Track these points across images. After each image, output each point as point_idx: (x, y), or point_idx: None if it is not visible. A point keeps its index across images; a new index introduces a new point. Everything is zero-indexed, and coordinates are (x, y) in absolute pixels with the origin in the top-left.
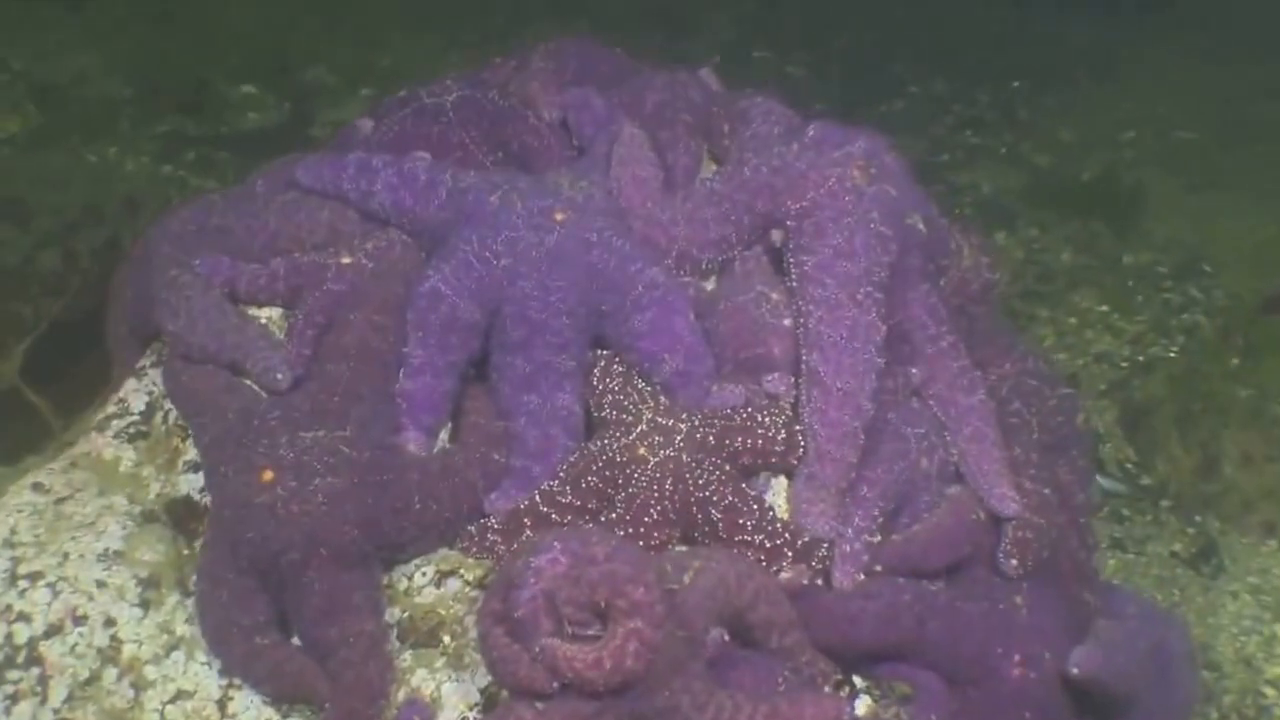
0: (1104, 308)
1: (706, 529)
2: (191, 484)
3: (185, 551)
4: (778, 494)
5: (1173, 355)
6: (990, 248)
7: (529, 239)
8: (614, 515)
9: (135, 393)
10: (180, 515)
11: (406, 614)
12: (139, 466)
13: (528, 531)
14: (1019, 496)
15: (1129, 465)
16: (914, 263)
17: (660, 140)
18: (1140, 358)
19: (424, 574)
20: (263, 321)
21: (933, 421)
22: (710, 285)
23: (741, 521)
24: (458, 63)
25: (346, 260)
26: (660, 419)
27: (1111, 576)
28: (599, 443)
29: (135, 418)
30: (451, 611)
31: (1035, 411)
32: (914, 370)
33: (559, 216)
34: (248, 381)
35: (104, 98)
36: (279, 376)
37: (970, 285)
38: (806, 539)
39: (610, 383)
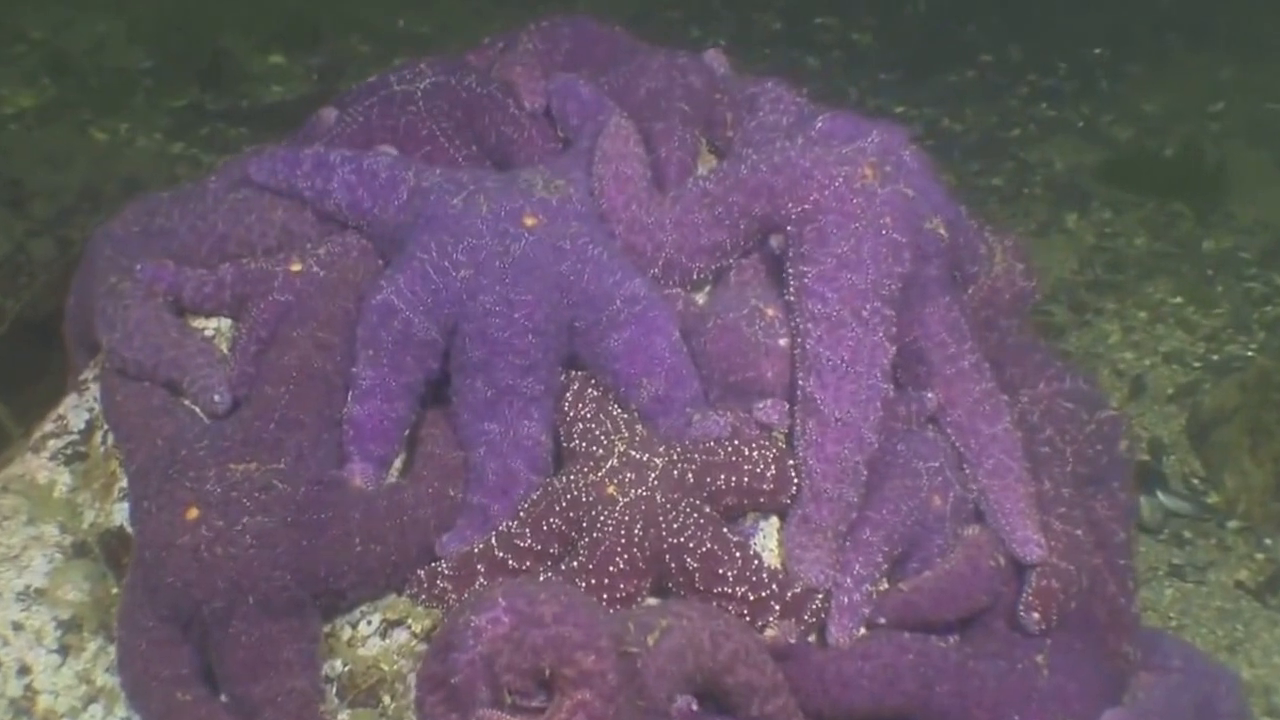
0: (1178, 299)
1: (681, 579)
2: (126, 514)
3: (114, 590)
4: (768, 538)
5: (1251, 354)
6: (1026, 252)
7: (492, 247)
8: (575, 563)
9: (75, 409)
10: (113, 548)
11: (348, 667)
12: (75, 492)
13: (481, 579)
14: (1045, 539)
15: (1195, 480)
16: (932, 273)
17: (653, 132)
18: (1214, 357)
19: (370, 622)
20: (209, 334)
21: (949, 454)
22: (703, 298)
23: (721, 571)
24: (502, 29)
25: (296, 267)
26: (634, 453)
27: (1168, 609)
28: (564, 479)
29: (74, 437)
30: (395, 667)
31: (1070, 439)
32: (929, 395)
33: (529, 221)
34: (188, 403)
35: (121, 69)
36: (216, 398)
37: (1001, 295)
38: (797, 590)
39: (582, 409)
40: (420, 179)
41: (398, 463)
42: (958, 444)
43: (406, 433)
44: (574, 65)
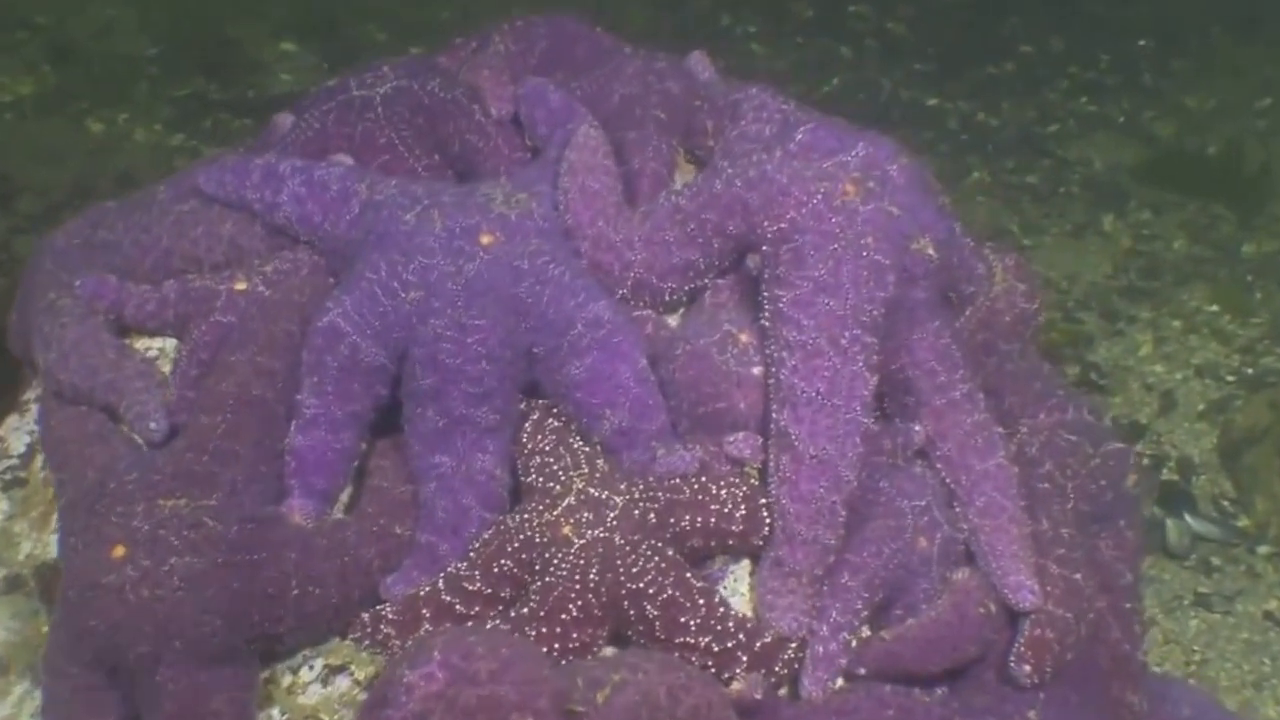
0: (1214, 308)
1: (641, 628)
2: None
3: (45, 628)
4: (739, 583)
5: None
6: (1028, 272)
7: (444, 267)
8: (526, 610)
9: (16, 431)
10: (50, 582)
11: (286, 716)
12: (11, 520)
13: (427, 624)
14: (1040, 585)
15: (1225, 502)
16: (920, 296)
17: (626, 142)
18: (1250, 370)
19: (311, 668)
20: (153, 354)
21: (938, 491)
22: (676, 320)
23: (683, 619)
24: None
25: (240, 286)
26: (593, 490)
27: (1192, 641)
28: (517, 517)
29: (14, 461)
30: (337, 717)
31: (1072, 474)
32: (917, 427)
33: (485, 239)
34: (125, 429)
35: (125, 57)
36: (152, 425)
37: (1001, 317)
38: (768, 639)
39: (541, 441)
40: (373, 192)
41: (346, 496)
42: (948, 480)
43: (354, 464)
44: (550, 68)
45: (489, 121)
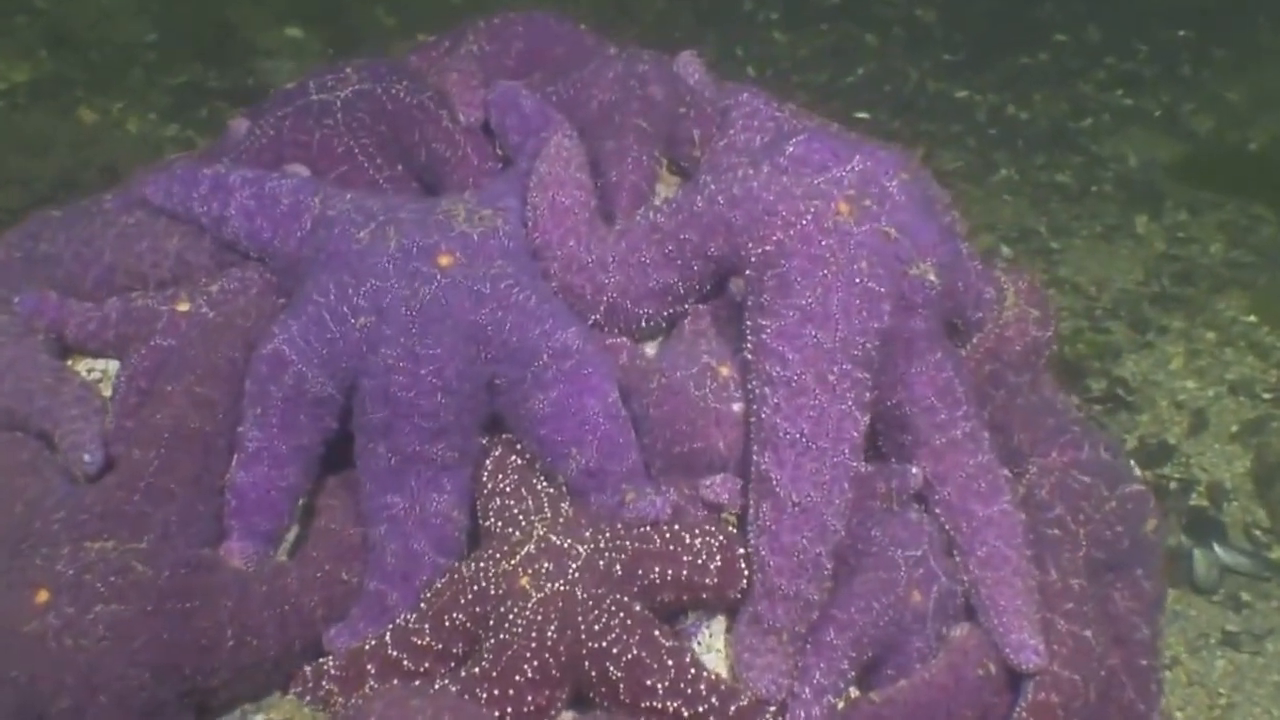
0: (1252, 318)
1: (604, 690)
2: None
3: None
4: (714, 640)
5: None
6: (1042, 296)
7: (398, 290)
8: (477, 669)
9: None
10: None
11: None
12: None
13: (372, 681)
14: (1045, 643)
15: (1256, 532)
16: (919, 326)
17: (604, 152)
18: None
19: None
20: (96, 377)
21: (936, 539)
22: (654, 349)
23: (650, 681)
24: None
25: (183, 307)
26: (555, 538)
27: (1218, 683)
28: (472, 565)
29: None
30: None
31: (1085, 519)
32: (914, 469)
33: (443, 260)
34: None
35: (123, 43)
36: (86, 458)
37: (1011, 346)
38: (744, 703)
39: (502, 482)
40: (327, 206)
41: (293, 535)
42: (947, 527)
43: (299, 503)
44: (527, 69)
45: (457, 129)
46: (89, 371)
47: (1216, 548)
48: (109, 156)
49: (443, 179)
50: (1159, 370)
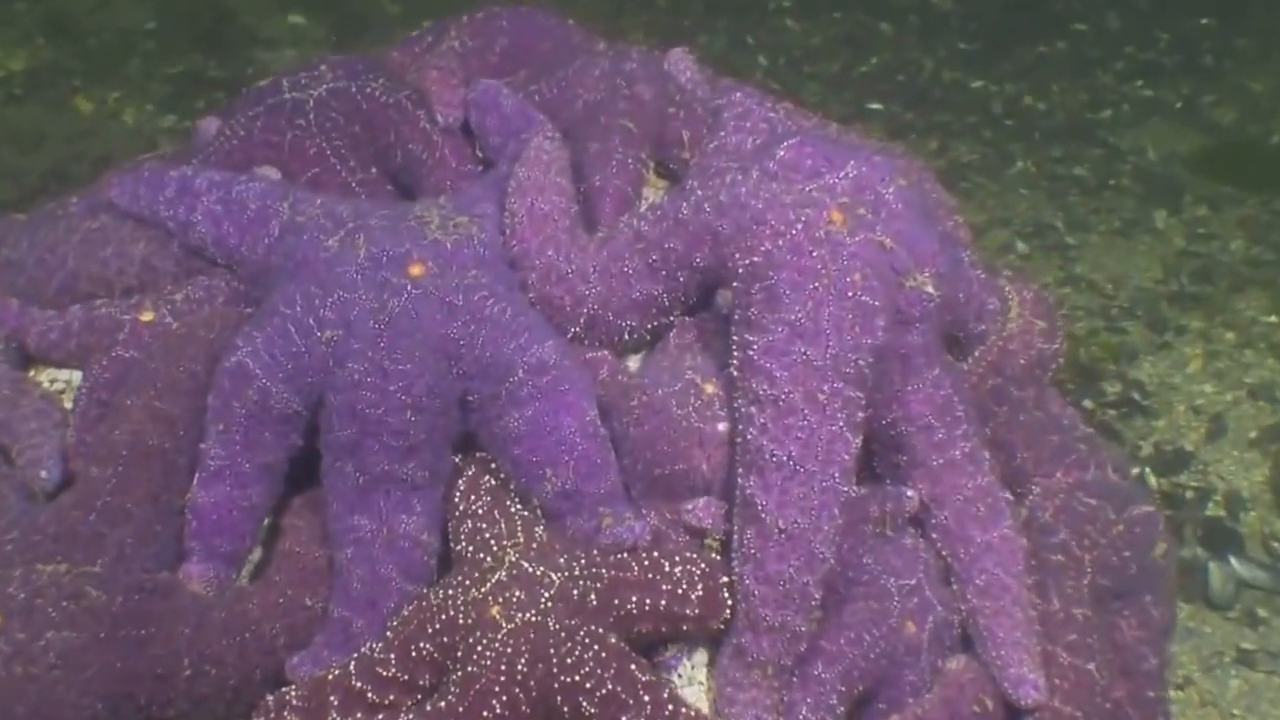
0: (1273, 318)
1: None
2: None
3: None
4: (696, 672)
5: None
6: (1048, 307)
7: (366, 302)
8: (443, 703)
9: None
10: None
11: None
12: None
13: (334, 714)
14: (1046, 677)
15: (1276, 544)
16: (916, 341)
17: (588, 155)
18: None
19: None
20: (59, 387)
21: (933, 566)
22: (638, 363)
23: (625, 718)
24: None
25: (146, 316)
26: (527, 565)
27: (1232, 704)
28: (441, 592)
29: None
30: None
31: (1090, 544)
32: (909, 492)
33: (414, 270)
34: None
35: (122, 30)
36: (44, 474)
37: (1014, 360)
38: None
39: (475, 504)
40: (295, 212)
41: (258, 556)
42: (944, 553)
43: (263, 523)
44: (512, 66)
45: (435, 130)
46: (52, 382)
47: (1233, 560)
48: (103, 149)
49: (420, 182)
50: (1176, 373)
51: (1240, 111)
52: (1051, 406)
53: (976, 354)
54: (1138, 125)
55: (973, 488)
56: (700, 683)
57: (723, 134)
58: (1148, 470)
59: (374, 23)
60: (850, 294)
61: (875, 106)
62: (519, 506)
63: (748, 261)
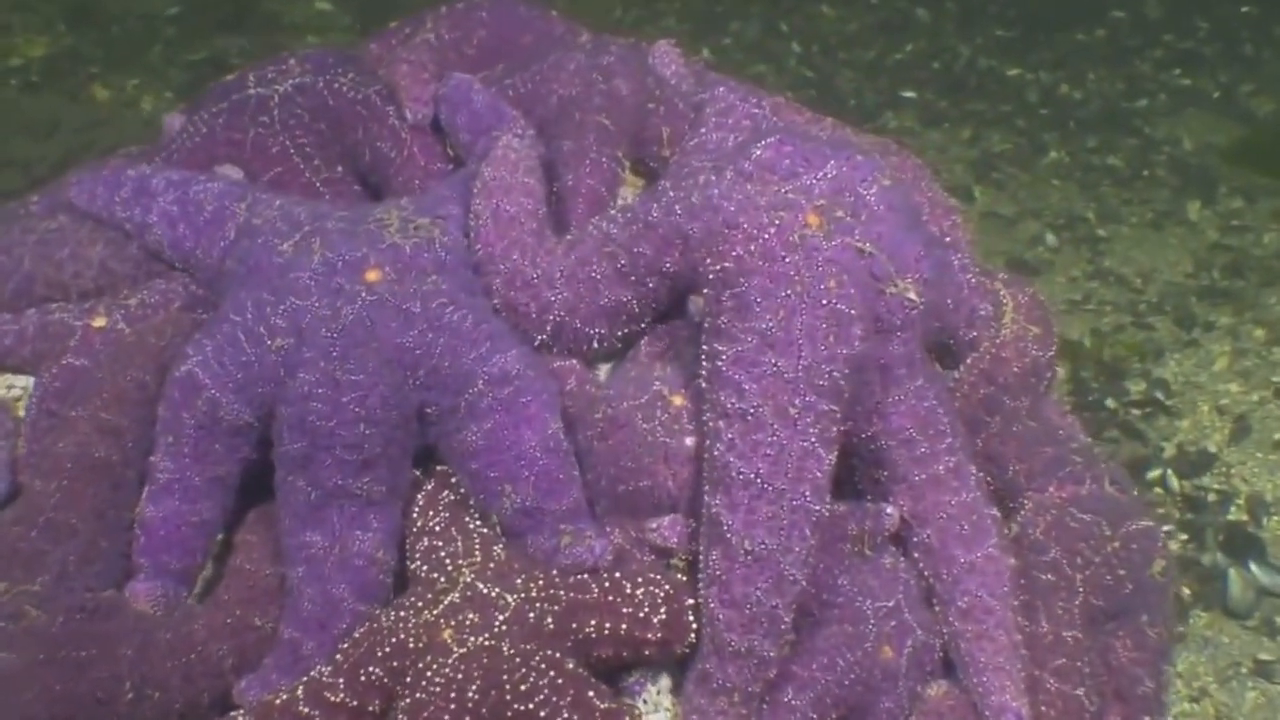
0: None
1: None
2: None
3: None
4: (661, 698)
5: None
6: (1043, 313)
7: (319, 309)
8: None
9: None
10: None
11: None
12: None
13: None
14: (1031, 705)
15: None
16: (897, 350)
17: (562, 153)
18: None
19: None
20: (15, 394)
21: (913, 587)
22: (605, 373)
23: None
24: None
25: (98, 322)
26: (482, 586)
27: (1248, 718)
28: (392, 614)
29: None
30: None
31: (1084, 562)
32: (889, 510)
33: (371, 276)
34: None
35: (146, 15)
36: None
37: (1008, 367)
38: None
39: (432, 520)
40: (252, 214)
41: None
42: (926, 573)
43: (215, 539)
44: (490, 59)
45: (404, 126)
46: (8, 389)
47: (1254, 567)
48: (116, 139)
49: (388, 181)
50: (1202, 371)
51: (1278, 102)
52: (1049, 416)
53: (968, 362)
54: (1174, 115)
55: (957, 504)
56: (666, 709)
57: (703, 131)
58: (1169, 472)
59: (402, 8)
60: (825, 302)
61: (909, 94)
62: (478, 524)
63: (718, 267)
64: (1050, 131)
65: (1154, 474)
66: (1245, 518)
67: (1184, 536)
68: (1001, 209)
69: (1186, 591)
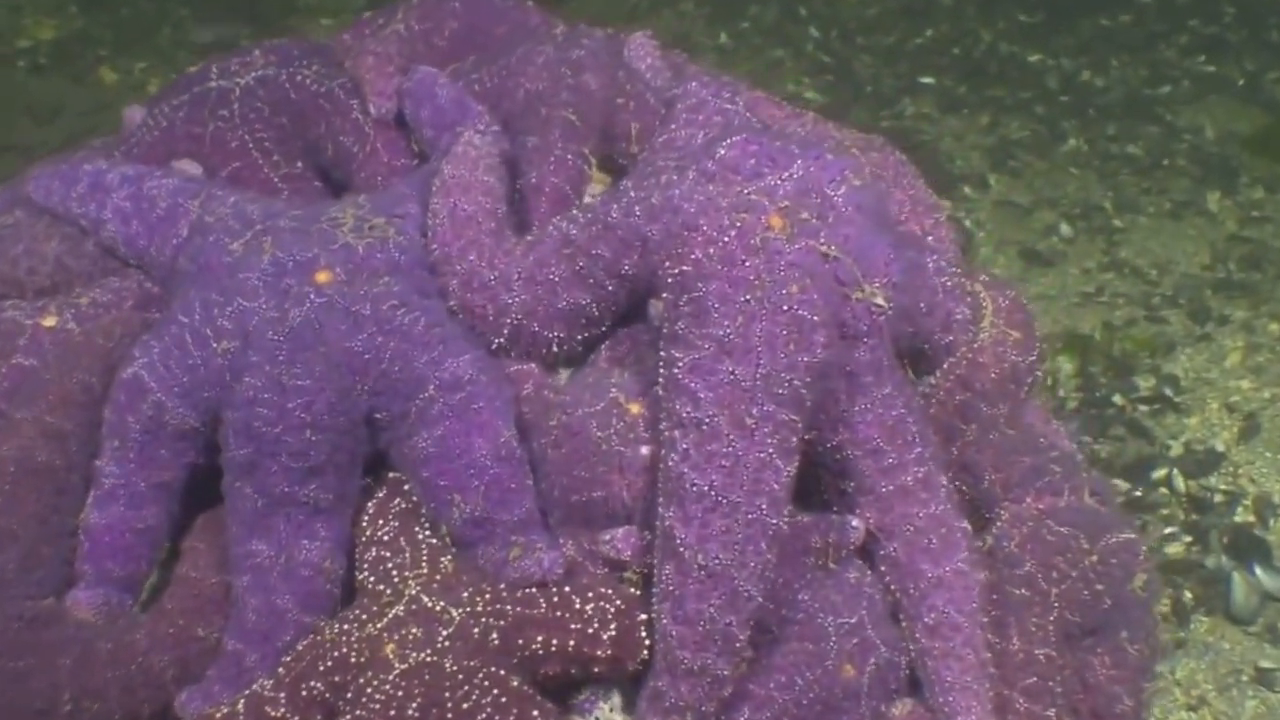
0: None
1: None
2: None
3: None
4: (614, 715)
5: None
6: (1024, 317)
7: (266, 312)
8: None
9: None
10: None
11: None
12: None
13: None
14: None
15: None
16: (863, 357)
17: (527, 149)
18: None
19: None
20: None
21: (878, 602)
22: (567, 378)
23: None
24: None
25: (49, 321)
26: (427, 599)
27: None
28: (336, 627)
29: None
30: None
31: (1059, 576)
32: (854, 522)
33: (321, 277)
34: None
35: None
36: None
37: (985, 373)
38: None
39: (381, 529)
40: (205, 211)
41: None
42: (893, 588)
43: (161, 546)
44: (462, 51)
45: (369, 121)
46: None
47: (1258, 570)
48: (118, 124)
49: (350, 177)
50: (1214, 367)
51: None
52: (1030, 424)
53: (944, 367)
54: (1196, 102)
55: (925, 517)
56: None
57: (673, 128)
58: (1175, 471)
59: None
60: (786, 307)
61: (927, 80)
62: (428, 534)
63: (677, 270)
64: (1070, 119)
65: (1159, 473)
66: (1252, 519)
67: (1188, 538)
68: (1017, 197)
69: (1188, 595)
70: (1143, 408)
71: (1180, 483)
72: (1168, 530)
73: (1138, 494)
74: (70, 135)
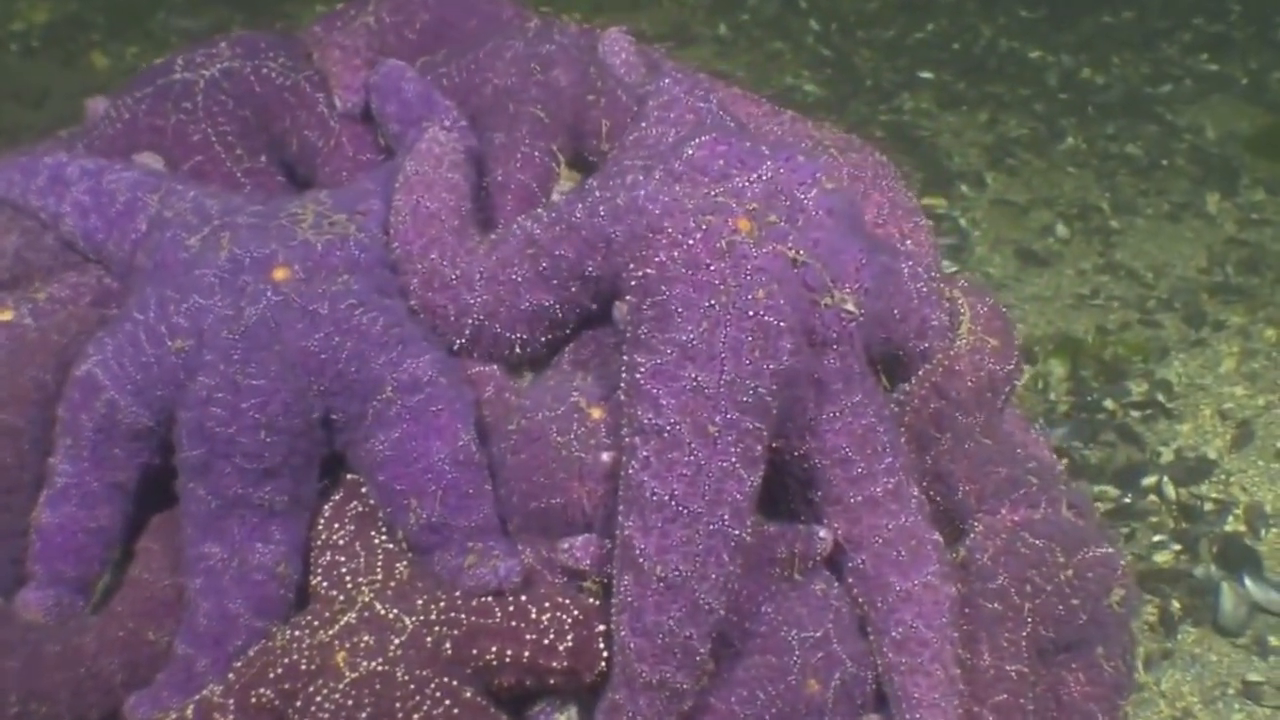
0: None
1: None
2: None
3: None
4: None
5: None
6: (1003, 324)
7: (221, 309)
8: None
9: None
10: None
11: None
12: None
13: None
14: None
15: None
16: (832, 364)
17: (494, 146)
18: None
19: None
20: None
21: (845, 616)
22: (529, 381)
23: None
24: None
25: (4, 316)
26: (380, 606)
27: None
28: (287, 633)
29: None
30: None
31: (1034, 591)
32: (822, 533)
33: (278, 275)
34: None
35: None
36: None
37: (960, 381)
38: None
39: (337, 532)
40: (164, 206)
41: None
42: (861, 601)
43: (114, 547)
44: (432, 44)
45: (334, 115)
46: None
47: (1248, 581)
48: None
49: (315, 172)
50: (1207, 373)
51: None
52: (1008, 434)
53: (919, 374)
54: (1198, 102)
55: (894, 529)
56: None
57: (644, 125)
58: (1165, 479)
59: None
60: (751, 313)
61: (926, 75)
62: (384, 539)
63: (641, 273)
64: (1069, 117)
65: (1150, 480)
66: (1243, 529)
67: (1177, 547)
68: (1014, 196)
69: (1176, 605)
70: (1134, 413)
71: (1171, 490)
72: (1156, 538)
73: (1127, 501)
74: (57, 119)
